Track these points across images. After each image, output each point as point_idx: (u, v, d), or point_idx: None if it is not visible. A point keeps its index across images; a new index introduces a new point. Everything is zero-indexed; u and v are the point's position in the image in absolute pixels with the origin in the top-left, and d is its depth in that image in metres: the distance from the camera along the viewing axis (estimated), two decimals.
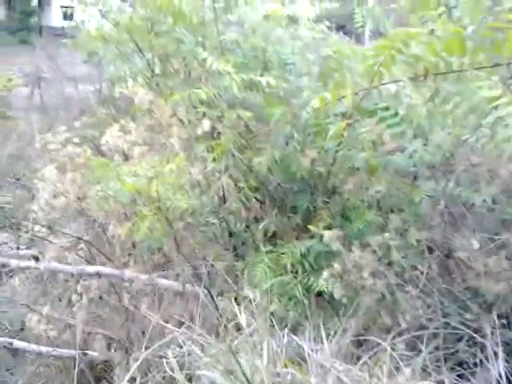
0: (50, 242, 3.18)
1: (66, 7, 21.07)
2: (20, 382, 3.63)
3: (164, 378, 2.23)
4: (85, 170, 2.92)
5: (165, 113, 2.74)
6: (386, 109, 2.03)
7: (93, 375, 3.28)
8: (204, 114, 2.66)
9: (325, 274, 2.11)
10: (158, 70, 2.93)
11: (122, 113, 5.92)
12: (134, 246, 2.85)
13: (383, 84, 2.07)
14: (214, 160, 2.43)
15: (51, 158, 2.95)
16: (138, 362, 2.14)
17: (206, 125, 2.58)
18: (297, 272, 2.42)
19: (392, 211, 2.20)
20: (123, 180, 2.54)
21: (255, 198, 2.52)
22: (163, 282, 2.78)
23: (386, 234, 2.03)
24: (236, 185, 2.45)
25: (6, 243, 3.82)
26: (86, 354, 3.26)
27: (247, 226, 2.63)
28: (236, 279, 2.63)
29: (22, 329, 4.03)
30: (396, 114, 2.02)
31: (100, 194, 2.54)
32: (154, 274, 2.73)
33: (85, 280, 2.95)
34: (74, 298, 2.93)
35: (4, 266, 3.56)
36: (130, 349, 3.12)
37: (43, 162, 3.18)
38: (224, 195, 2.55)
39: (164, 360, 2.24)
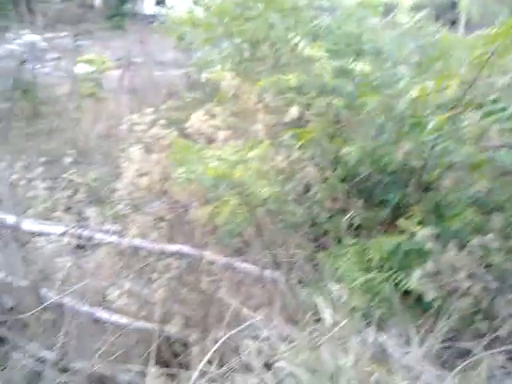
0: (133, 219, 3.27)
1: None
2: (101, 350, 3.80)
3: (240, 362, 2.22)
4: (169, 152, 2.96)
5: (251, 98, 2.70)
6: (495, 102, 1.86)
7: (169, 351, 3.37)
8: (292, 101, 2.60)
9: (417, 272, 2.00)
10: (246, 55, 2.90)
11: (208, 97, 6.01)
12: (214, 229, 2.86)
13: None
14: (300, 148, 2.37)
15: (138, 139, 3.01)
16: (217, 346, 2.13)
17: (294, 111, 2.53)
18: (381, 268, 2.32)
19: (493, 211, 2.04)
20: (206, 164, 2.54)
21: (341, 188, 2.43)
22: (242, 265, 2.77)
23: (489, 235, 1.88)
24: (322, 174, 2.37)
25: (92, 218, 3.96)
26: (163, 331, 3.34)
27: (330, 217, 2.54)
28: (316, 270, 2.57)
29: (103, 300, 4.22)
30: (505, 109, 1.85)
31: (183, 176, 2.55)
32: (234, 258, 2.72)
33: (165, 259, 3.00)
34: (155, 275, 2.99)
35: (89, 239, 3.72)
36: (206, 330, 3.16)
37: (129, 143, 3.25)
38: (308, 184, 2.48)
39: (241, 345, 2.24)
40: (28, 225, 4.02)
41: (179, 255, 2.98)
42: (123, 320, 3.71)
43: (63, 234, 3.65)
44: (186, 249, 2.93)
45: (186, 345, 3.43)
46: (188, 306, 3.22)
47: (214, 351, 2.25)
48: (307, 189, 2.52)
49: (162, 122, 3.02)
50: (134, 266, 3.49)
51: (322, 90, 2.38)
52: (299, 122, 2.53)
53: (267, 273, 2.74)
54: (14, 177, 5.66)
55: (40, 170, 5.87)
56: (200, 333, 3.14)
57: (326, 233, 2.63)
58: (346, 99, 2.29)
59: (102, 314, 3.96)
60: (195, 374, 2.03)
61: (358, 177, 2.41)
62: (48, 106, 8.50)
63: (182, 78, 10.84)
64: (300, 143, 2.29)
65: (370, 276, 2.26)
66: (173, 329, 3.23)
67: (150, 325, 3.53)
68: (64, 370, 3.81)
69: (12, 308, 4.38)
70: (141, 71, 10.88)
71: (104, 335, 3.88)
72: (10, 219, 4.14)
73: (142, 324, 3.60)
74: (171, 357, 3.35)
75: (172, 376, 2.77)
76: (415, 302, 2.22)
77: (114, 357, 3.77)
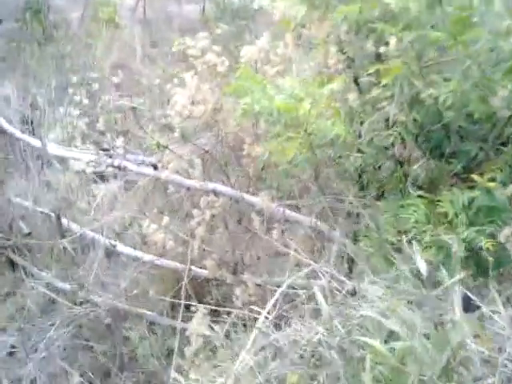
0: (172, 151, 3.09)
1: None
2: (122, 285, 3.71)
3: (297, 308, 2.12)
4: (224, 81, 2.76)
5: (321, 29, 2.48)
6: None
7: (193, 291, 3.27)
8: (368, 35, 2.39)
9: (506, 231, 1.87)
10: None
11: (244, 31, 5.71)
12: (267, 168, 2.70)
13: None
14: (380, 87, 2.18)
15: (191, 64, 2.79)
16: (281, 290, 2.02)
17: (370, 46, 2.32)
18: (450, 223, 2.19)
19: None
20: (271, 96, 2.35)
21: (414, 135, 2.26)
22: (293, 214, 2.63)
23: None
24: (398, 117, 2.19)
25: (126, 147, 3.75)
26: (190, 269, 3.23)
27: (397, 165, 2.39)
28: (375, 221, 2.44)
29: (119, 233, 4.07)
30: None
31: (244, 107, 2.36)
32: (285, 202, 2.58)
33: (208, 196, 2.85)
34: (196, 212, 2.85)
35: (121, 168, 3.54)
36: (240, 272, 3.06)
37: (180, 68, 3.02)
38: (380, 128, 2.30)
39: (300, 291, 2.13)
40: (53, 149, 3.83)
41: (223, 195, 2.83)
42: (146, 256, 3.61)
43: (92, 162, 3.46)
44: (233, 190, 2.78)
45: (217, 285, 3.35)
46: (223, 246, 3.10)
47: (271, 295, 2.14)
48: (377, 133, 2.35)
49: (216, 48, 2.79)
50: (171, 201, 3.35)
51: (408, 24, 2.17)
52: (377, 59, 2.32)
53: (319, 224, 2.61)
54: (32, 100, 5.44)
55: (55, 94, 5.65)
56: (235, 274, 3.04)
57: (388, 182, 2.49)
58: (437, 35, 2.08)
59: (124, 248, 3.85)
60: (261, 317, 1.91)
61: (435, 123, 2.24)
62: (60, 30, 8.10)
63: (198, 13, 10.39)
64: (384, 81, 2.10)
65: (440, 230, 2.13)
66: (206, 269, 3.13)
67: (174, 263, 3.43)
68: (81, 302, 3.73)
69: (29, 234, 4.26)
70: (155, 2, 10.41)
71: (128, 271, 3.79)
72: (35, 142, 3.95)
73: (167, 261, 3.51)
74: (195, 296, 3.26)
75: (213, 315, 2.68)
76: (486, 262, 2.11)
77: (136, 293, 3.70)
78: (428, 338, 1.59)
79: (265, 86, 2.36)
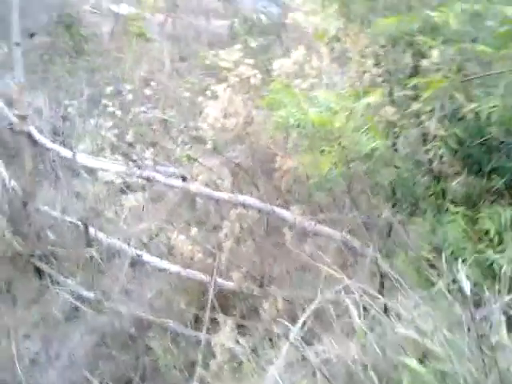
0: (202, 163, 3.09)
1: None
2: (147, 295, 3.69)
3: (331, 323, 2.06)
4: (256, 94, 2.75)
5: (358, 42, 2.46)
6: None
7: (219, 303, 3.23)
8: (405, 49, 2.36)
9: None
10: None
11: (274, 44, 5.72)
12: (298, 181, 2.67)
13: None
14: (419, 100, 2.13)
15: (223, 77, 2.79)
16: (314, 304, 1.97)
17: (409, 60, 2.29)
18: (491, 241, 2.12)
19: None
20: (305, 109, 2.32)
21: (453, 150, 2.21)
22: (325, 229, 2.58)
23: None
24: (438, 132, 2.14)
25: (149, 159, 3.77)
26: (215, 281, 3.20)
27: (435, 180, 2.33)
28: (409, 237, 2.38)
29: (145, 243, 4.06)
30: None
31: (279, 120, 2.34)
32: (317, 216, 2.53)
33: (238, 209, 2.83)
34: (225, 224, 2.82)
35: (150, 180, 3.54)
36: (267, 285, 3.01)
37: (209, 81, 3.04)
38: (418, 142, 2.26)
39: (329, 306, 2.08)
40: (84, 159, 3.86)
41: (252, 207, 2.80)
42: (173, 267, 3.59)
43: (122, 173, 3.47)
44: (263, 205, 2.74)
45: (243, 299, 3.30)
46: (249, 259, 3.07)
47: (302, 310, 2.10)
48: (416, 147, 2.30)
49: (249, 61, 2.78)
50: (198, 213, 3.34)
51: (447, 37, 2.13)
52: (414, 73, 2.29)
53: (350, 237, 2.56)
54: (63, 111, 5.51)
55: (86, 105, 5.72)
56: (262, 287, 3.00)
57: (424, 197, 2.42)
58: (479, 48, 2.03)
59: (150, 258, 3.83)
60: (295, 329, 1.85)
61: (476, 139, 2.18)
62: (91, 44, 8.24)
63: (226, 28, 10.49)
64: (425, 95, 2.05)
65: (481, 247, 2.06)
66: (233, 281, 3.09)
67: (199, 274, 3.40)
68: (105, 311, 3.72)
69: (56, 242, 4.27)
70: (183, 18, 10.56)
71: (153, 281, 3.78)
72: (65, 152, 3.99)
73: (194, 272, 3.47)
74: (220, 308, 3.22)
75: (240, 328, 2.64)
76: None
77: (161, 303, 3.68)
78: (471, 361, 1.53)
79: (299, 99, 2.33)
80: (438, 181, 2.33)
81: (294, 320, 2.59)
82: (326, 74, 2.60)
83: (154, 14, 9.83)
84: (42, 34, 8.41)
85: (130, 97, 4.85)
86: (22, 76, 4.00)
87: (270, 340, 2.34)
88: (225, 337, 2.31)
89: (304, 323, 2.09)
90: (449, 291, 1.95)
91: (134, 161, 3.70)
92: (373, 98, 2.20)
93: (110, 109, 3.79)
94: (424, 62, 2.05)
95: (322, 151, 2.30)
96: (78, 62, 7.53)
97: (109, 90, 5.05)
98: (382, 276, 2.44)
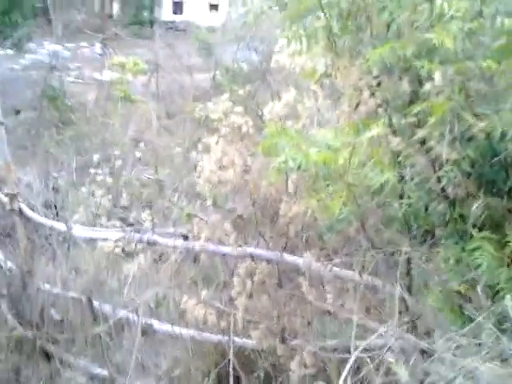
0: (202, 219, 2.95)
1: (176, 2, 21.64)
2: (163, 366, 3.47)
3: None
4: (250, 141, 2.65)
5: (351, 75, 2.37)
6: None
7: (239, 364, 3.02)
8: (400, 76, 2.27)
9: None
10: (336, 30, 2.56)
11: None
12: (306, 226, 2.52)
13: None
14: (422, 126, 2.02)
15: (214, 129, 2.69)
16: (354, 356, 1.79)
17: (406, 86, 2.20)
18: None
19: None
20: (306, 150, 2.21)
21: (466, 172, 2.09)
22: (343, 272, 2.42)
23: None
24: (450, 156, 2.02)
25: (147, 221, 3.65)
26: (233, 342, 3.00)
27: (453, 207, 2.19)
28: (436, 270, 2.22)
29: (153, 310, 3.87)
30: None
31: (280, 165, 2.22)
32: (333, 259, 2.38)
33: (248, 263, 2.67)
34: (236, 280, 2.66)
35: (150, 243, 3.40)
36: (289, 339, 2.81)
37: (200, 135, 2.94)
38: (428, 170, 2.13)
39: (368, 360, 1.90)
40: (79, 231, 3.72)
41: (264, 259, 2.65)
42: (185, 331, 3.39)
43: (120, 240, 3.33)
44: (272, 253, 2.60)
45: (265, 357, 3.09)
46: (267, 313, 2.88)
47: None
48: (426, 175, 2.17)
49: (238, 109, 2.69)
50: (203, 271, 3.18)
51: (444, 57, 2.04)
52: (412, 99, 2.19)
53: (370, 278, 2.40)
54: (54, 183, 5.42)
55: (76, 175, 5.65)
56: (284, 342, 2.80)
57: (442, 225, 2.28)
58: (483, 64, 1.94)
59: (160, 326, 3.64)
60: None
61: (488, 158, 2.06)
62: (77, 113, 8.29)
63: (208, 81, 10.60)
64: (432, 119, 1.94)
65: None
66: (251, 339, 2.90)
67: (216, 336, 3.20)
68: None
69: (61, 321, 4.08)
70: (166, 76, 10.71)
71: (166, 348, 3.57)
72: (59, 225, 3.85)
73: (209, 335, 3.28)
74: (241, 369, 3.01)
75: None
76: None
77: (178, 373, 3.46)
78: None
79: (297, 141, 2.22)
80: (454, 207, 2.19)
81: (326, 376, 2.39)
82: (320, 112, 2.51)
83: (137, 76, 9.98)
84: (28, 110, 8.47)
85: (119, 162, 4.79)
86: (8, 155, 3.92)
87: None
88: None
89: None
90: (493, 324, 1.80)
91: (132, 225, 3.57)
92: (376, 130, 2.09)
93: (100, 177, 3.69)
94: (427, 86, 1.94)
95: (329, 192, 2.17)
96: (66, 132, 7.54)
97: (96, 157, 5.01)
98: (412, 315, 2.27)
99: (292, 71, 2.79)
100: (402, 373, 1.62)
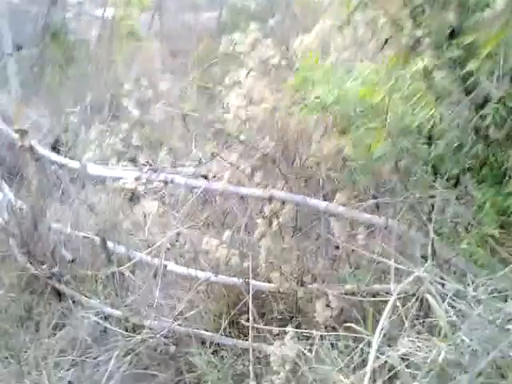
0: (225, 159, 2.84)
1: None
2: (179, 307, 3.46)
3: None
4: (279, 75, 2.50)
5: (390, 6, 2.20)
6: None
7: (255, 307, 3.00)
8: (444, 5, 2.11)
9: None
10: None
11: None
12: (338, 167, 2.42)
13: None
14: (474, 59, 1.89)
15: (241, 62, 2.54)
16: (393, 298, 1.73)
17: (451, 16, 2.04)
18: None
19: None
20: (345, 85, 2.08)
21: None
22: (366, 216, 2.34)
23: None
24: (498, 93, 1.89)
25: (164, 161, 3.53)
26: (248, 284, 2.97)
27: (493, 149, 2.09)
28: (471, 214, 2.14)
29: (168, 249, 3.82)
30: None
31: (316, 100, 2.09)
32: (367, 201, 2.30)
33: (273, 204, 2.59)
34: (260, 222, 2.59)
35: (167, 182, 3.30)
36: (308, 282, 2.77)
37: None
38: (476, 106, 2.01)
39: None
40: (94, 169, 3.61)
41: (291, 202, 2.57)
42: (200, 273, 3.36)
43: (139, 178, 3.23)
44: (300, 196, 2.50)
45: (281, 299, 3.07)
46: (293, 256, 2.82)
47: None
48: (471, 113, 2.05)
49: (268, 41, 2.53)
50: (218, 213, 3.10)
51: None
52: (457, 31, 2.04)
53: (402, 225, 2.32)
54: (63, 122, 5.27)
55: (85, 114, 5.49)
56: (302, 285, 2.76)
57: (480, 168, 2.18)
58: None
59: (174, 267, 3.60)
60: (377, 331, 1.62)
61: None
62: (80, 51, 7.98)
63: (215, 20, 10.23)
64: (486, 50, 1.81)
65: None
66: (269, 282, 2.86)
67: (232, 279, 3.17)
68: (135, 329, 3.49)
69: (73, 261, 4.04)
70: (171, 14, 10.29)
71: (181, 290, 3.55)
72: (72, 163, 3.75)
73: (225, 278, 3.24)
74: (257, 312, 2.99)
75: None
76: None
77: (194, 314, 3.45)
78: None
79: (334, 75, 2.09)
80: (493, 148, 2.09)
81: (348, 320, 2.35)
82: (356, 46, 2.35)
83: (140, 14, 9.57)
84: (29, 46, 8.14)
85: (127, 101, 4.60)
86: (18, 87, 3.75)
87: (332, 345, 2.11)
88: (287, 347, 2.08)
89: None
90: None
91: (149, 164, 3.46)
92: (423, 63, 1.95)
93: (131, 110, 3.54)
94: (487, 12, 1.79)
95: (367, 129, 2.06)
96: (69, 70, 7.28)
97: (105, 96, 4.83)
98: (444, 260, 2.22)
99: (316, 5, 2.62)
100: (441, 313, 1.57)
